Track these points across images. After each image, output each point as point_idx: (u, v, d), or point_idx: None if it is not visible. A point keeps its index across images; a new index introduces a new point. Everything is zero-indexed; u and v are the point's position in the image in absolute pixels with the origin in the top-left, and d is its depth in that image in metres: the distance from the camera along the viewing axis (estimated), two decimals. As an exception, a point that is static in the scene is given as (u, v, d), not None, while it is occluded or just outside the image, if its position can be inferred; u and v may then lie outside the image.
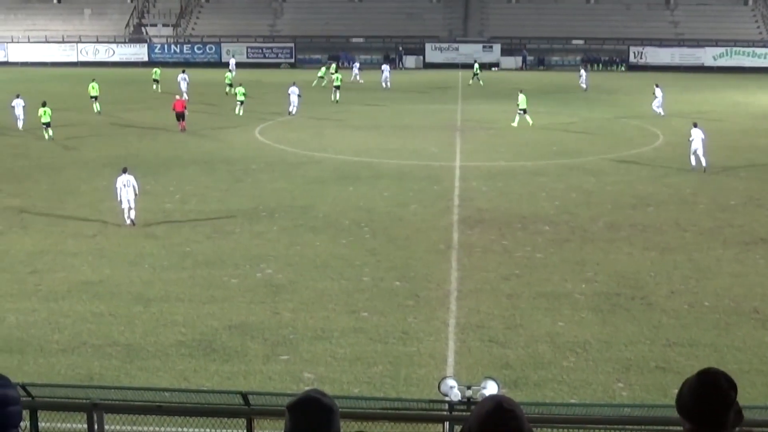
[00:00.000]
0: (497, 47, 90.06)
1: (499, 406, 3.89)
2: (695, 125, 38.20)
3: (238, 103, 54.08)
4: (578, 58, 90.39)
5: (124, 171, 28.76)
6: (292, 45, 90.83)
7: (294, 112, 53.83)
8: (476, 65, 76.09)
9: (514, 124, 48.83)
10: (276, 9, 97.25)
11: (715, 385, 4.39)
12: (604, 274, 22.93)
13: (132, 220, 28.08)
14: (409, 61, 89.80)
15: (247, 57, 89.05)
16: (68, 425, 11.81)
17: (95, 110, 54.49)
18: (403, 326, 19.34)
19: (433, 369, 17.00)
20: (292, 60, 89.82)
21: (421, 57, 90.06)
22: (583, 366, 17.22)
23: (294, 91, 54.37)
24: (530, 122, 48.43)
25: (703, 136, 37.47)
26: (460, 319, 19.76)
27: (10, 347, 18.39)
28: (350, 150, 41.36)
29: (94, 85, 55.85)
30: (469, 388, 10.52)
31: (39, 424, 11.17)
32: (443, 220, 28.62)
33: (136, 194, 28.24)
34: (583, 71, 72.09)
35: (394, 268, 23.47)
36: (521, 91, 50.76)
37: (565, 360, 17.49)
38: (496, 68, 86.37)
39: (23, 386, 10.80)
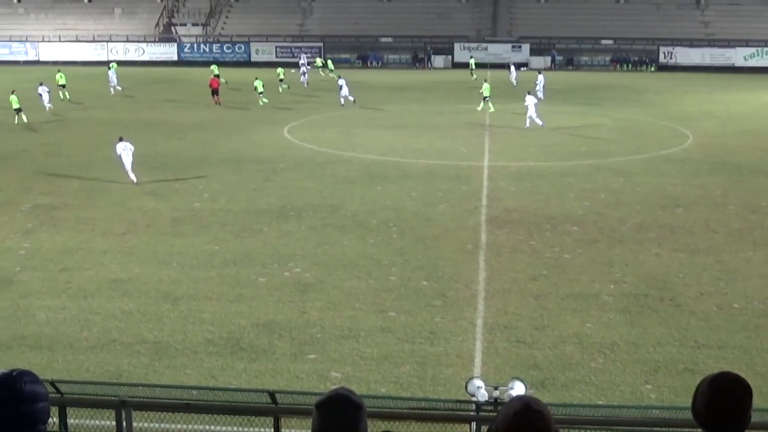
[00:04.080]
0: (526, 47, 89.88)
1: (526, 407, 3.89)
2: (529, 93, 50.47)
3: (260, 95, 59.38)
4: (608, 58, 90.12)
5: (121, 139, 34.78)
6: (321, 44, 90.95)
7: (343, 103, 57.96)
8: (472, 61, 79.88)
9: (479, 109, 55.11)
10: (305, 8, 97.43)
11: (728, 392, 4.32)
12: (632, 276, 22.82)
13: (133, 179, 33.72)
14: (438, 60, 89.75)
15: (276, 56, 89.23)
16: (97, 422, 11.89)
17: (61, 97, 59.90)
18: (430, 326, 19.33)
19: (460, 369, 16.98)
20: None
21: (450, 57, 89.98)
22: (610, 367, 17.15)
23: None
24: (491, 109, 54.38)
25: (535, 101, 48.75)
26: (487, 320, 19.73)
27: (40, 344, 18.53)
28: (378, 149, 41.37)
29: (62, 74, 62.09)
30: (496, 388, 10.50)
31: (68, 420, 11.25)
32: (471, 220, 28.58)
33: (132, 158, 34.07)
34: (513, 68, 74.30)
35: (421, 268, 23.46)
36: (486, 80, 58.54)
37: (593, 361, 17.43)
38: (525, 68, 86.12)
39: (53, 383, 10.87)
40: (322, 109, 55.94)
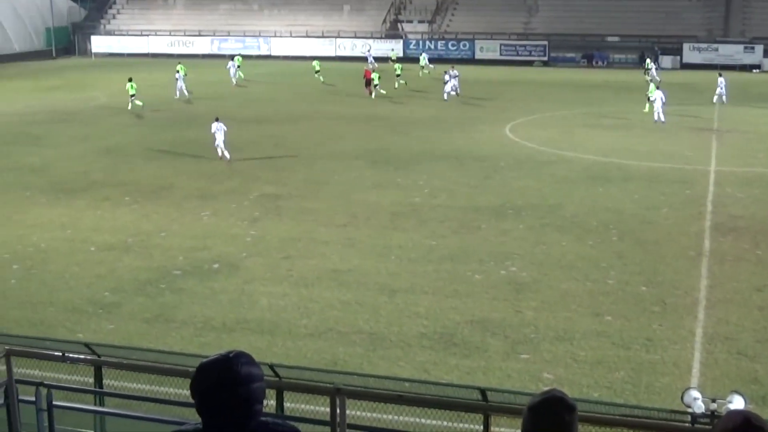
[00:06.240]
0: (759, 48, 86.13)
1: (747, 422, 3.78)
2: (657, 88, 51.43)
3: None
4: None
5: (217, 119, 38.06)
6: (546, 43, 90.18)
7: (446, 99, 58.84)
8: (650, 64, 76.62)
9: (645, 110, 52.38)
10: (531, 6, 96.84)
11: None
12: None
13: (225, 157, 37.31)
14: (666, 61, 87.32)
15: (500, 54, 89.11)
16: (311, 407, 12.24)
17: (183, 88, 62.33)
18: (647, 332, 18.95)
19: (676, 378, 16.57)
20: (545, 58, 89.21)
21: (678, 57, 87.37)
22: (839, 386, 16.35)
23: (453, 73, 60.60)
24: (646, 110, 52.35)
25: (663, 97, 49.16)
26: (707, 329, 19.16)
27: (261, 328, 19.25)
28: (600, 150, 40.69)
29: (182, 66, 64.30)
30: (713, 401, 10.19)
31: (285, 404, 11.64)
32: (694, 226, 27.77)
33: (225, 137, 37.41)
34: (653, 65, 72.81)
35: (640, 273, 23.00)
36: (651, 81, 58.60)
37: (820, 379, 16.66)
38: (757, 70, 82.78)
39: (272, 366, 11.26)
40: (543, 108, 55.42)
